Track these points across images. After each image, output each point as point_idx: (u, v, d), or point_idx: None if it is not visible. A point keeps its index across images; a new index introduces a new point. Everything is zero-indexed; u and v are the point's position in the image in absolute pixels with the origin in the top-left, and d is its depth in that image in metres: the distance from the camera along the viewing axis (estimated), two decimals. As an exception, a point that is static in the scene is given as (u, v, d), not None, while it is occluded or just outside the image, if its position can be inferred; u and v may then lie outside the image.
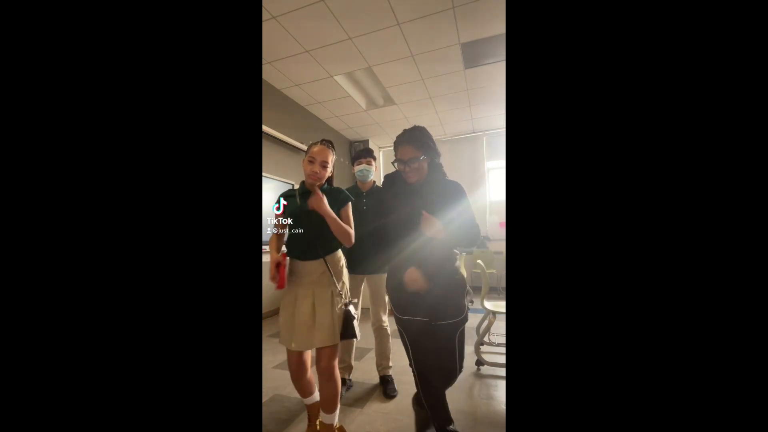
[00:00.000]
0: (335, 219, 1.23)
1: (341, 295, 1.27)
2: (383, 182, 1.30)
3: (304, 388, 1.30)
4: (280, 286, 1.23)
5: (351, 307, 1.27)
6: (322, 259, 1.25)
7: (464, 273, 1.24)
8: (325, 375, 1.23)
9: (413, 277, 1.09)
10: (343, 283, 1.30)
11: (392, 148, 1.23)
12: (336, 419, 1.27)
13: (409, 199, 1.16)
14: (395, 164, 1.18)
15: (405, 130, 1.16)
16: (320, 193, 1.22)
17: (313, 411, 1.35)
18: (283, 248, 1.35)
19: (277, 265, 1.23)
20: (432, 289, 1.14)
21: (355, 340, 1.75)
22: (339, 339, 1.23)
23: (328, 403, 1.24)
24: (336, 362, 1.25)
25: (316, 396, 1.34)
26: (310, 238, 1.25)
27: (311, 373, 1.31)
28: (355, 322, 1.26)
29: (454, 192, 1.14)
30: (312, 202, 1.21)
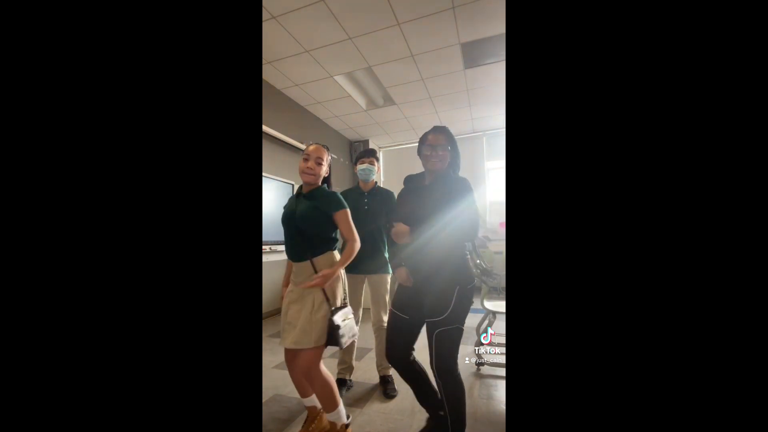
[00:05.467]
0: (343, 262, 1.24)
1: (327, 299, 1.23)
2: (405, 181, 1.33)
3: (298, 386, 1.33)
4: None
5: (338, 315, 1.21)
6: (308, 261, 1.25)
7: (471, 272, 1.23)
8: (308, 379, 1.22)
9: (400, 274, 1.22)
10: (336, 287, 1.26)
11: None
12: (341, 418, 1.26)
13: (423, 194, 1.21)
14: (423, 150, 1.23)
15: (437, 126, 1.27)
16: (320, 279, 1.19)
17: (311, 414, 1.36)
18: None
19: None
20: (428, 288, 1.16)
21: (354, 341, 1.77)
22: (315, 343, 1.20)
23: (322, 403, 1.25)
24: (317, 365, 1.21)
25: (314, 400, 1.34)
26: (297, 240, 1.26)
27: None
28: (341, 330, 1.20)
29: (463, 188, 1.18)
30: (319, 284, 1.19)
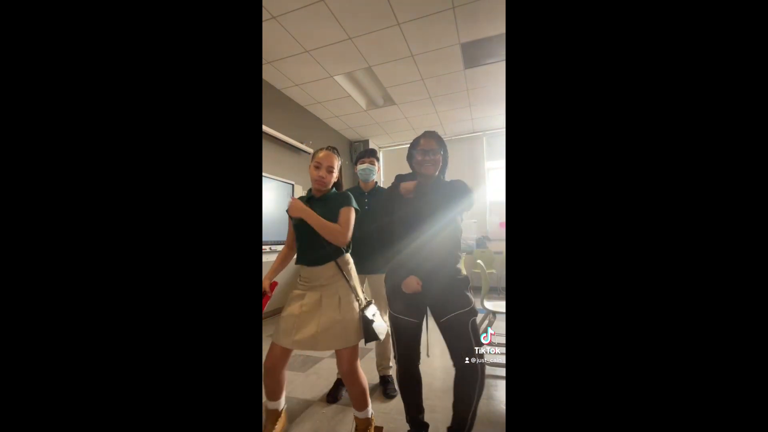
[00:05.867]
0: (317, 218, 1.22)
1: (358, 297, 1.29)
2: (394, 181, 1.32)
3: (271, 387, 1.29)
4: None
5: (368, 310, 1.27)
6: (331, 263, 1.27)
7: (464, 272, 1.25)
8: (348, 378, 1.27)
9: (410, 284, 1.17)
10: (356, 285, 1.31)
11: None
12: (370, 413, 1.32)
13: (426, 195, 1.21)
14: (415, 155, 1.24)
15: (427, 131, 1.27)
16: (294, 199, 1.27)
17: (270, 418, 1.33)
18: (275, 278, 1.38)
19: (263, 294, 1.28)
20: (431, 290, 1.17)
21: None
22: (353, 342, 1.24)
23: (357, 402, 1.29)
24: (357, 364, 1.27)
25: (280, 404, 1.35)
26: (319, 244, 1.26)
27: (284, 376, 1.32)
28: (375, 325, 1.26)
29: (460, 186, 1.21)
30: (291, 211, 1.25)
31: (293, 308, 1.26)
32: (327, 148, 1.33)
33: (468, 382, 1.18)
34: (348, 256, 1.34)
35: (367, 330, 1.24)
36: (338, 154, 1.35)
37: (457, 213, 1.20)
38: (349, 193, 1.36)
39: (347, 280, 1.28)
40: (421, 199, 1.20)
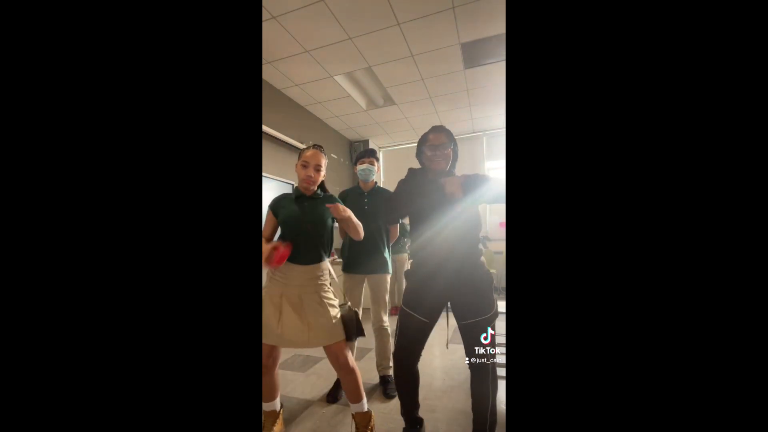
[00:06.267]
0: (356, 219, 1.30)
1: (332, 297, 1.31)
2: (406, 175, 1.31)
3: (265, 387, 1.31)
4: (278, 262, 1.17)
5: (345, 309, 1.32)
6: (316, 265, 1.29)
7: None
8: (342, 369, 1.28)
9: (453, 181, 1.11)
10: (330, 286, 1.35)
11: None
12: (365, 407, 1.33)
13: (432, 189, 1.19)
14: (424, 151, 1.23)
15: (435, 126, 1.27)
16: (338, 204, 1.29)
17: (268, 419, 1.35)
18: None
19: (274, 248, 1.18)
20: (454, 287, 1.16)
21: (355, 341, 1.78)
22: (341, 336, 1.26)
23: (351, 394, 1.31)
24: (348, 355, 1.29)
25: (277, 405, 1.37)
26: (312, 243, 1.27)
27: (277, 376, 1.34)
28: (355, 320, 1.31)
29: (476, 176, 1.18)
30: (338, 212, 1.26)
31: (272, 305, 1.26)
32: (314, 147, 1.33)
33: (482, 380, 1.17)
34: (328, 261, 1.37)
35: (350, 328, 1.26)
36: (325, 153, 1.35)
37: (488, 201, 1.17)
38: (333, 195, 1.41)
39: (324, 281, 1.31)
40: (433, 194, 1.18)
